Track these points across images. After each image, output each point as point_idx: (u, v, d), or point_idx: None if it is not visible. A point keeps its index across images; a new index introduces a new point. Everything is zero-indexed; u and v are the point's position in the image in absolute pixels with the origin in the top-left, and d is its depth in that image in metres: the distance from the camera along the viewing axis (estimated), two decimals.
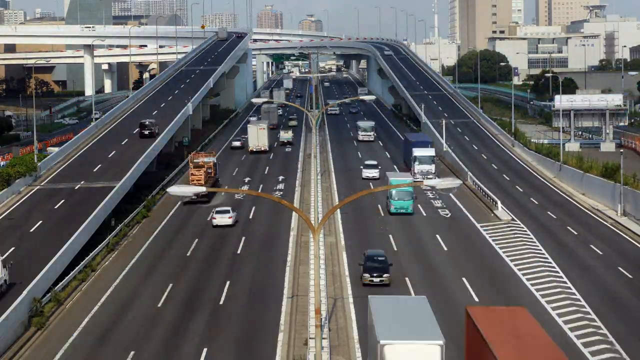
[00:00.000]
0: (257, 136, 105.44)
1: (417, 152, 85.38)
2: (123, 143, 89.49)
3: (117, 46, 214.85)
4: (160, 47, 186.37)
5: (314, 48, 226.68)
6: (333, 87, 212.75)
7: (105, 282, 53.19)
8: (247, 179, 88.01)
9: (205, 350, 40.68)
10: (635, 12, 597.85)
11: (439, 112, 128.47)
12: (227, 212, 67.85)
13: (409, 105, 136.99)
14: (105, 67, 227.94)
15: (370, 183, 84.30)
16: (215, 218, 67.30)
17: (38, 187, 72.65)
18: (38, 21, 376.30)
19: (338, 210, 68.25)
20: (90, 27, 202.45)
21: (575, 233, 65.05)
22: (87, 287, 52.50)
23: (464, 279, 51.35)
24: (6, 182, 70.38)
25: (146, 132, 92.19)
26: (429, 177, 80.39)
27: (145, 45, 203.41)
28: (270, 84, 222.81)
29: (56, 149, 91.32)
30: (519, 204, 75.36)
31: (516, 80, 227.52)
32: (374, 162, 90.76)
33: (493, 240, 61.91)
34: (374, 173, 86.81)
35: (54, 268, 50.56)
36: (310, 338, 39.17)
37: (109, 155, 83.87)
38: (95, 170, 77.65)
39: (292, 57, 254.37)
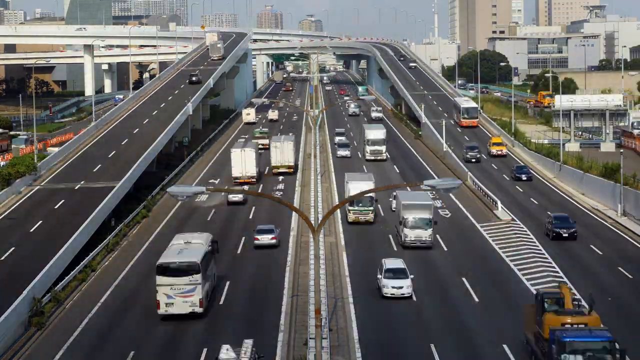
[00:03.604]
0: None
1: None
2: (123, 143, 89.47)
3: (117, 46, 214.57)
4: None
5: (314, 48, 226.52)
6: (334, 89, 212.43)
7: (105, 282, 53.20)
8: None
9: (205, 350, 40.68)
10: (635, 12, 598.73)
11: (439, 112, 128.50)
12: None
13: (409, 105, 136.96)
14: (105, 67, 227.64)
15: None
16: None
17: (38, 187, 72.64)
18: (38, 21, 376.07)
19: (338, 211, 68.23)
20: (82, 29, 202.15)
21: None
22: (87, 287, 52.52)
23: (464, 279, 51.35)
24: (6, 182, 70.38)
25: (194, 79, 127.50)
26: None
27: (152, 46, 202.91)
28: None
29: (56, 149, 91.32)
30: (519, 204, 75.35)
31: (516, 81, 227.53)
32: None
33: (493, 240, 61.91)
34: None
35: (54, 268, 50.57)
36: (310, 338, 39.15)
37: (109, 155, 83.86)
38: (95, 170, 77.63)
39: (292, 57, 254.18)
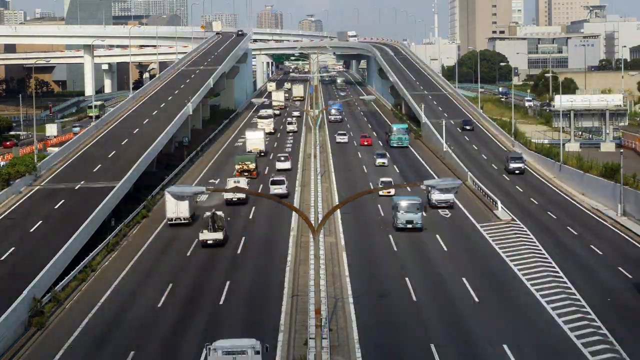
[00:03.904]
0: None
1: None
2: (123, 143, 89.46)
3: (117, 46, 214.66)
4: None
5: (314, 48, 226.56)
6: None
7: (105, 282, 53.17)
8: (247, 179, 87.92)
9: (205, 350, 40.63)
10: (635, 12, 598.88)
11: (439, 112, 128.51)
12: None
13: (409, 105, 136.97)
14: (105, 67, 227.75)
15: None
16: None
17: (38, 187, 72.64)
18: (38, 21, 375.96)
19: (338, 210, 68.21)
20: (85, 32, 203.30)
21: (575, 233, 65.06)
22: (87, 287, 52.50)
23: (464, 279, 51.32)
24: (6, 182, 70.36)
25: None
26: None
27: (152, 46, 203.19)
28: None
29: (56, 149, 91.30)
30: (519, 204, 75.35)
31: (516, 81, 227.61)
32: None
33: (493, 240, 61.89)
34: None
35: (54, 268, 50.57)
36: (310, 338, 39.17)
37: (109, 155, 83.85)
38: (95, 170, 77.62)
39: (292, 57, 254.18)
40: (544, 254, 57.76)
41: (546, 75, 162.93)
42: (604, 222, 68.76)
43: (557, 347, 40.49)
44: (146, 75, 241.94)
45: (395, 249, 59.67)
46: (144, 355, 40.72)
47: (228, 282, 51.79)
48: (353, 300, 46.76)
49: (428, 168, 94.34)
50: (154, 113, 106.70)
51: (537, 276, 52.28)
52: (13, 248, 55.15)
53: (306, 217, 34.06)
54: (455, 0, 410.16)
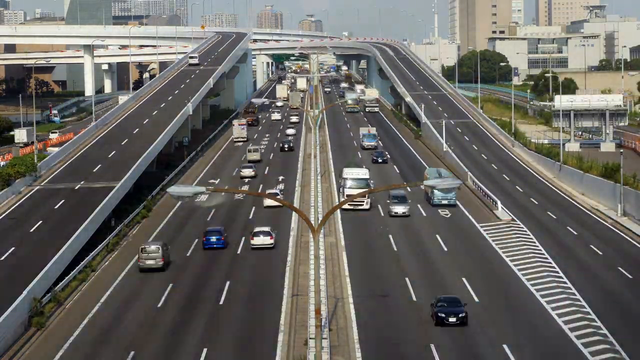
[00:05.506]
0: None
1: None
2: (123, 143, 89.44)
3: (117, 46, 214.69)
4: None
5: (314, 48, 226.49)
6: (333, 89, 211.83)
7: (105, 282, 53.18)
8: (247, 179, 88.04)
9: (205, 350, 40.68)
10: (635, 12, 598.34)
11: (439, 112, 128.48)
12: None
13: (409, 105, 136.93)
14: (105, 67, 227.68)
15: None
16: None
17: (38, 187, 72.58)
18: (38, 21, 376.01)
19: (338, 210, 68.20)
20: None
21: (575, 233, 65.06)
22: (87, 287, 52.50)
23: (464, 279, 51.32)
24: (6, 182, 70.33)
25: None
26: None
27: (152, 46, 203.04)
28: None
29: (56, 149, 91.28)
30: (519, 204, 75.35)
31: (516, 81, 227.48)
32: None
33: (493, 240, 61.89)
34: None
35: (54, 268, 50.54)
36: (310, 338, 39.16)
37: (109, 155, 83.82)
38: (95, 170, 77.58)
39: (292, 57, 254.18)
40: (544, 254, 57.76)
41: (546, 75, 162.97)
42: (604, 222, 68.77)
43: (557, 347, 40.50)
44: (146, 75, 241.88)
45: (395, 248, 59.67)
46: (144, 355, 40.73)
47: (228, 282, 51.79)
48: (353, 300, 46.76)
49: (428, 168, 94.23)
50: (154, 113, 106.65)
51: (537, 276, 52.28)
52: (13, 248, 55.14)
53: (306, 217, 34.08)
54: (455, 0, 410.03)
